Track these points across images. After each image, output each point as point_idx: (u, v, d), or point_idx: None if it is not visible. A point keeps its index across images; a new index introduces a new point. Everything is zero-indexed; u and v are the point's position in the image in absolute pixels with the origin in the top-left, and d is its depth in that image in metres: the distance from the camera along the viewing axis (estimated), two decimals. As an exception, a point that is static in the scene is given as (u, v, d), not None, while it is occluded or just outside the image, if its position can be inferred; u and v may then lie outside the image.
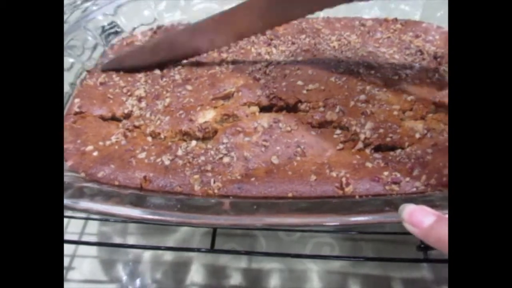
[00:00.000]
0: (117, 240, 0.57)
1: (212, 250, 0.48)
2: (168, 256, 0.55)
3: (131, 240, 0.57)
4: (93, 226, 0.59)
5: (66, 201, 0.40)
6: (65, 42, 0.63)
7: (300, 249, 0.55)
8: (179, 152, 0.48)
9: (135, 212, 0.39)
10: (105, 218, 0.58)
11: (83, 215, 0.58)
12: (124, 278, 0.54)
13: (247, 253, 0.53)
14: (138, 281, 0.53)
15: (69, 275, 0.54)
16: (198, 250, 0.54)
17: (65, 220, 0.59)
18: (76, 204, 0.40)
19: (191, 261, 0.55)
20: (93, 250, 0.56)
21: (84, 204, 0.40)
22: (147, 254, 0.56)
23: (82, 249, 0.56)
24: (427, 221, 0.28)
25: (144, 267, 0.54)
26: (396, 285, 0.53)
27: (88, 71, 0.61)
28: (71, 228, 0.58)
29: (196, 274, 0.54)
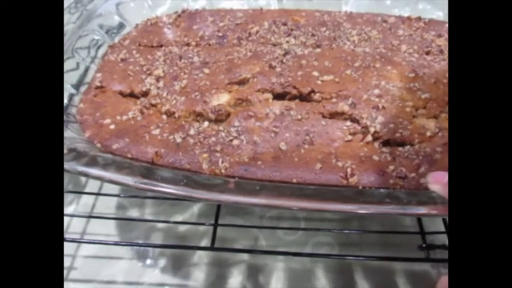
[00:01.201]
0: (117, 238, 0.58)
1: (212, 248, 0.49)
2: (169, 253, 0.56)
3: (132, 236, 0.58)
4: (94, 225, 0.59)
5: (81, 168, 0.42)
6: (92, 21, 0.65)
7: (301, 248, 0.55)
8: (191, 132, 0.49)
9: (143, 183, 0.41)
10: (106, 216, 0.59)
11: (85, 214, 0.60)
12: (125, 274, 0.54)
13: (247, 251, 0.54)
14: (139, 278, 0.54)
15: (71, 275, 0.54)
16: (199, 248, 0.55)
17: (66, 219, 0.59)
18: (89, 171, 0.42)
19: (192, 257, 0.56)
20: (94, 249, 0.56)
21: (96, 172, 0.42)
22: (148, 250, 0.57)
23: (84, 248, 0.57)
24: (446, 179, 0.34)
25: (145, 263, 0.56)
26: (398, 285, 0.53)
27: (111, 46, 0.64)
28: (72, 227, 0.59)
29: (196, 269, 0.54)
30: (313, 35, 0.63)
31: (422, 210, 0.38)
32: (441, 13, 0.68)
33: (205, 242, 0.56)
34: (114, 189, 0.61)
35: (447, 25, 0.64)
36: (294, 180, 0.44)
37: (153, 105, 0.54)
